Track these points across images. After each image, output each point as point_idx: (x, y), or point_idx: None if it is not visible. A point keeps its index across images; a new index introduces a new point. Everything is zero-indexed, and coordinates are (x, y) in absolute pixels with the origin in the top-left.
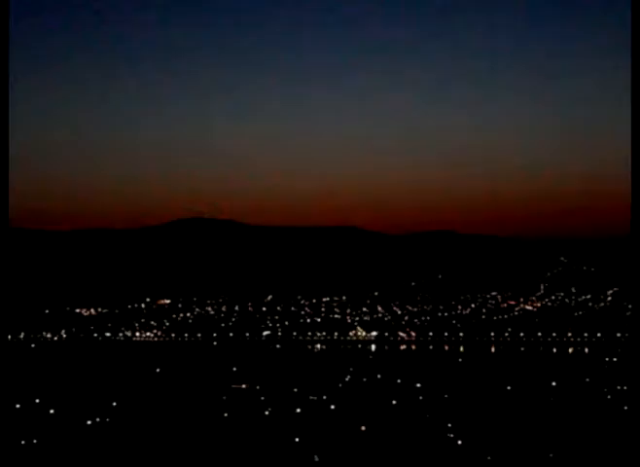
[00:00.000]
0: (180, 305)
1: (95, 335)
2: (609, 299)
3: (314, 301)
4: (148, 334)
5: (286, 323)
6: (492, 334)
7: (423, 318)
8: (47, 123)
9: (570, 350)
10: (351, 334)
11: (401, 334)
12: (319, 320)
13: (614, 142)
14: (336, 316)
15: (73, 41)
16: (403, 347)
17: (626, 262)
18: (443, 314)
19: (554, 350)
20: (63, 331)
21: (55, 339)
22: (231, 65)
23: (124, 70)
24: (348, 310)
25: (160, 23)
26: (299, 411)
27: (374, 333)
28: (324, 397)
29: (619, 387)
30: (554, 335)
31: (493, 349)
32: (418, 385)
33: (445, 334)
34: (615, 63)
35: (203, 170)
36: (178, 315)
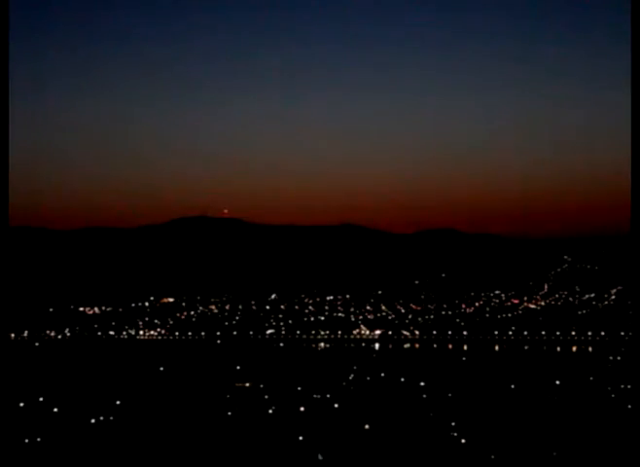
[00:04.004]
0: (184, 304)
1: (99, 333)
2: (613, 297)
3: (318, 299)
4: (152, 332)
5: (290, 321)
6: (496, 332)
7: (427, 317)
8: (49, 122)
9: (574, 349)
10: (355, 332)
11: (404, 332)
12: (323, 319)
13: (614, 142)
14: (339, 315)
15: (74, 40)
16: (406, 346)
17: (628, 261)
18: (446, 313)
19: (558, 349)
20: (67, 329)
21: (59, 337)
22: (230, 65)
23: (125, 69)
24: (352, 309)
25: (162, 25)
26: (302, 409)
27: (378, 331)
28: (328, 396)
29: (622, 386)
30: (558, 333)
31: (497, 348)
32: (422, 384)
33: (449, 332)
34: (615, 63)
35: (206, 169)
36: (182, 314)
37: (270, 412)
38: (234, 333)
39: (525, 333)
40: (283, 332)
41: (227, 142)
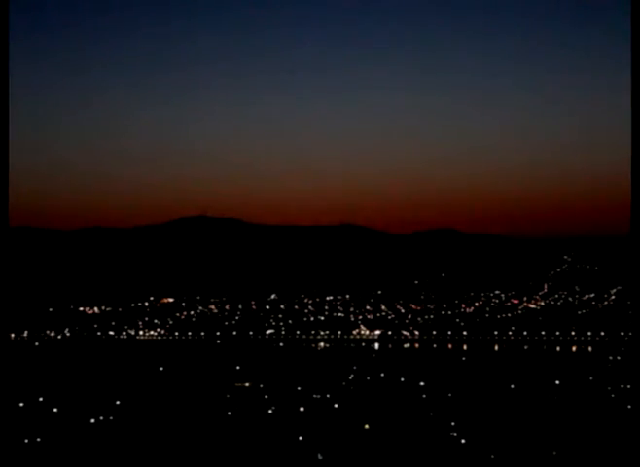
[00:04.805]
0: (183, 304)
1: (99, 333)
2: (612, 297)
3: (318, 299)
4: (151, 332)
5: (289, 321)
6: (496, 332)
7: (427, 317)
8: (49, 122)
9: (574, 349)
10: (355, 332)
11: (404, 332)
12: (323, 319)
13: (614, 142)
14: (339, 315)
15: (75, 40)
16: (406, 346)
17: (628, 261)
18: (446, 313)
19: (558, 349)
20: (67, 329)
21: (59, 337)
22: (229, 65)
23: (125, 70)
24: (352, 309)
25: (163, 24)
26: (302, 409)
27: (378, 331)
28: (327, 396)
29: (622, 386)
30: (558, 333)
31: (497, 348)
32: (422, 384)
33: (449, 332)
34: (615, 63)
35: (206, 169)
36: (181, 314)
37: (270, 412)
38: (234, 333)
39: (525, 333)
40: (283, 332)
41: (227, 142)
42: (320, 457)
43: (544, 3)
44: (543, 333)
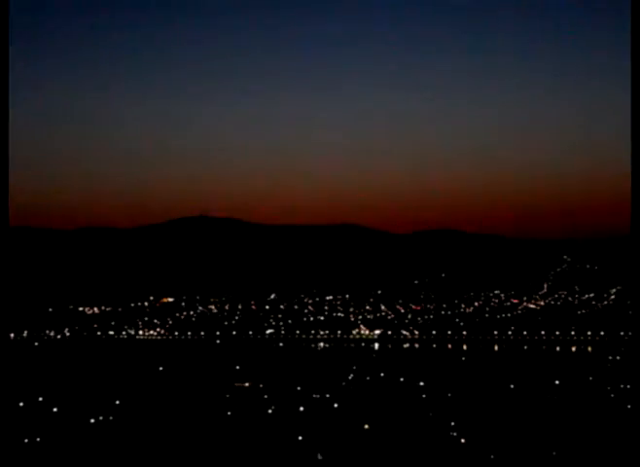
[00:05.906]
0: (183, 304)
1: (99, 333)
2: (612, 297)
3: (317, 299)
4: (151, 332)
5: (289, 321)
6: (495, 332)
7: (426, 317)
8: (48, 122)
9: (573, 349)
10: (354, 332)
11: (404, 332)
12: (322, 318)
13: (614, 142)
14: (339, 315)
15: (75, 40)
16: (406, 346)
17: (628, 261)
18: (446, 313)
19: (558, 349)
20: (67, 329)
21: (59, 337)
22: (229, 65)
23: (125, 70)
24: (351, 309)
25: (160, 24)
26: (302, 409)
27: (378, 331)
28: (327, 395)
29: (622, 386)
30: (558, 333)
31: (496, 348)
32: (421, 384)
33: (449, 332)
34: (615, 63)
35: (206, 169)
36: (181, 313)
37: (270, 411)
38: (234, 333)
39: (525, 333)
40: (283, 332)
41: (227, 142)
42: (320, 457)
43: (544, 3)
44: (543, 333)
